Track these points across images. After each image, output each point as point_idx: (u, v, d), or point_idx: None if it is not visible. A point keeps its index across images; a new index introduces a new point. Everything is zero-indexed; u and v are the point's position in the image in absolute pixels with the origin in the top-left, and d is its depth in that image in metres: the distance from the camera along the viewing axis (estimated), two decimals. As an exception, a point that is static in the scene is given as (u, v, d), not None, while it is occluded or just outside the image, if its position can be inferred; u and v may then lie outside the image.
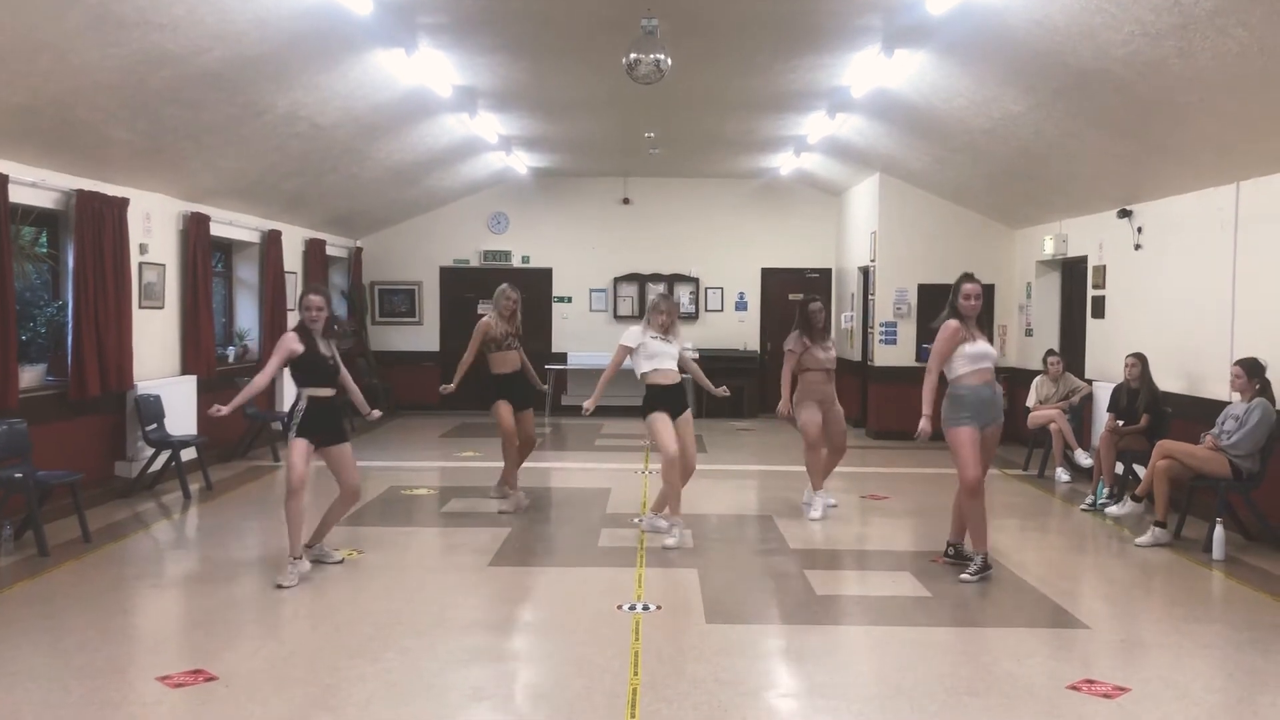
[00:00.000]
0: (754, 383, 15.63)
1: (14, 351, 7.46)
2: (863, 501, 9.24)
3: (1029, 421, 10.61)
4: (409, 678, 4.81)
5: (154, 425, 9.15)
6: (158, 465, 9.23)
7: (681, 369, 7.65)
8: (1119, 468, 8.80)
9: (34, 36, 5.97)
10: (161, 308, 9.96)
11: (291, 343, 6.37)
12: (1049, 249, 11.67)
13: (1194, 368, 8.73)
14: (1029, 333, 12.55)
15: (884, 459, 11.70)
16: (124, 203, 8.91)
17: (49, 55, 6.23)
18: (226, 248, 12.05)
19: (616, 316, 16.04)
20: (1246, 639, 5.46)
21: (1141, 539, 7.54)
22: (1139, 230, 9.76)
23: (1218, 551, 7.10)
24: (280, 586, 6.19)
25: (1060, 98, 7.88)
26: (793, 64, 8.77)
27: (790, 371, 8.44)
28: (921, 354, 13.24)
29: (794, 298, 14.53)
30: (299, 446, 6.35)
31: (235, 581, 6.50)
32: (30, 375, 8.23)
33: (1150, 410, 8.71)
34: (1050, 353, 10.92)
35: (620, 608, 5.90)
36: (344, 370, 6.80)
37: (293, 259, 13.11)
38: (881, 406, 13.40)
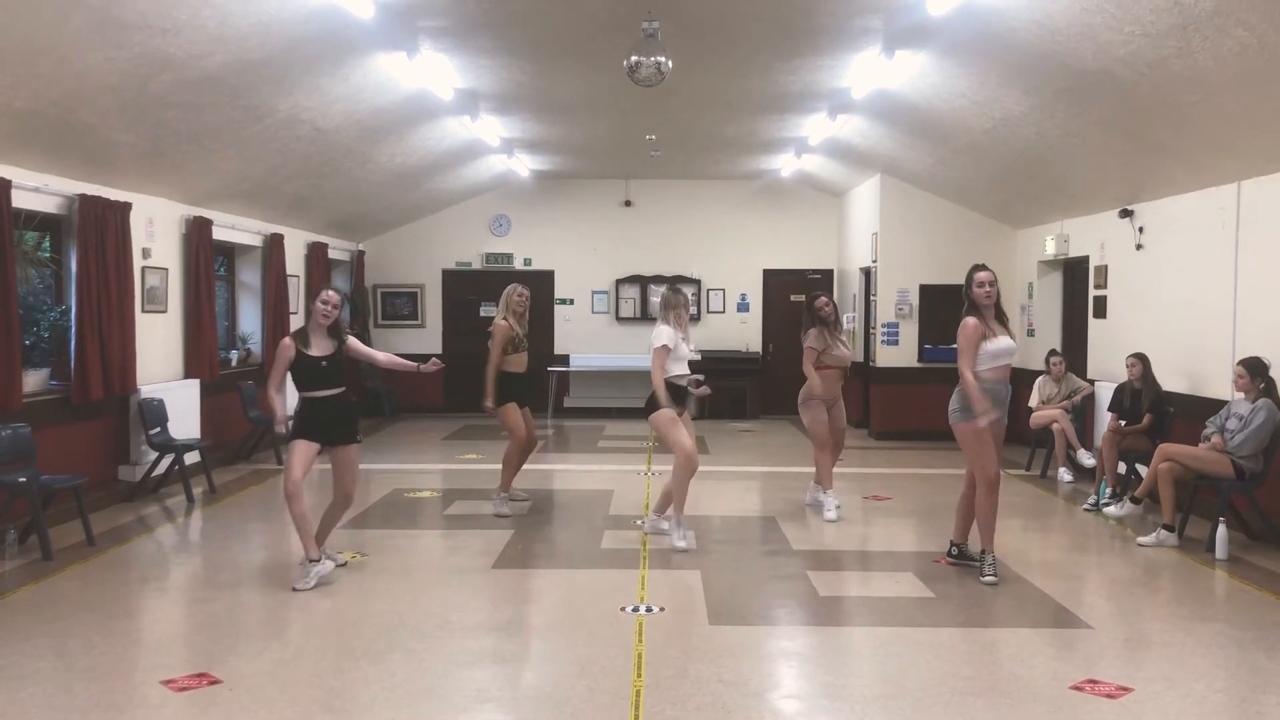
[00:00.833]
0: (756, 384, 15.65)
1: (18, 356, 7.48)
2: (865, 502, 9.24)
3: (1032, 422, 10.60)
4: (413, 680, 4.81)
5: (157, 429, 9.16)
6: (161, 469, 9.24)
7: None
8: (1121, 467, 8.79)
9: (36, 41, 5.98)
10: (164, 312, 9.98)
11: (285, 350, 6.44)
12: (1050, 249, 11.67)
13: (1196, 367, 8.73)
14: (1031, 333, 12.54)
15: (886, 460, 11.70)
16: (127, 207, 8.93)
17: (51, 59, 6.24)
18: (229, 251, 12.07)
19: (618, 318, 15.96)
20: (1250, 638, 5.46)
21: (1145, 539, 7.54)
22: (1140, 230, 9.76)
23: (1221, 551, 7.09)
24: (295, 589, 6.19)
25: (1061, 98, 7.89)
26: (793, 65, 8.78)
27: (812, 365, 8.46)
28: (924, 354, 13.26)
29: (796, 299, 14.54)
30: (297, 448, 6.37)
31: (239, 585, 6.52)
32: (34, 379, 8.25)
33: (1153, 410, 8.71)
34: (1053, 353, 10.91)
35: (624, 609, 5.90)
36: (366, 350, 6.92)
37: (295, 262, 13.12)
38: (884, 407, 13.40)
